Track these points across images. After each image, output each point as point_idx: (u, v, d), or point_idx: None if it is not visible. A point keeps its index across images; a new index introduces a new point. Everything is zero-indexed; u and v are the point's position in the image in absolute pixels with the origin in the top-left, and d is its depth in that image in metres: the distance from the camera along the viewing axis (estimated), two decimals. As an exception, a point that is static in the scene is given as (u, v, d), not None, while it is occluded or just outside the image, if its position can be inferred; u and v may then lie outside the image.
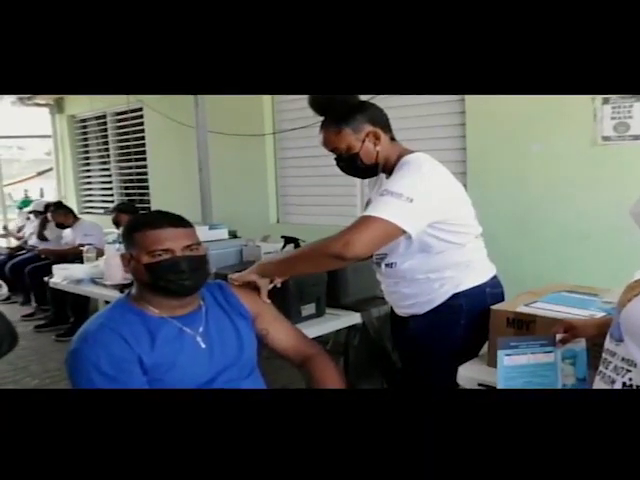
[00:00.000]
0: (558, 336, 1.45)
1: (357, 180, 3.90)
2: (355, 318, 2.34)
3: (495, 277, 1.80)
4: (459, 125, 3.26)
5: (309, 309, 2.19)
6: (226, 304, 1.50)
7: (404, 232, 1.53)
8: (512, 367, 1.44)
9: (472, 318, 1.70)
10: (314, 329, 2.11)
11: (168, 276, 1.33)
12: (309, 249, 1.63)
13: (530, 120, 2.93)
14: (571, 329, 1.45)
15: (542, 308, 1.66)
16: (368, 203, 1.79)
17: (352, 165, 1.69)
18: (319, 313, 2.23)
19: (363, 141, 1.64)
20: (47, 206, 5.14)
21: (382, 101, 1.80)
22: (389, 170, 1.69)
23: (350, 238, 1.48)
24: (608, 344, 1.15)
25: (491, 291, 1.76)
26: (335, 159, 1.71)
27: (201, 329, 1.41)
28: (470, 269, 1.72)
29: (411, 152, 1.68)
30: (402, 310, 1.83)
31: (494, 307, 1.67)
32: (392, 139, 1.71)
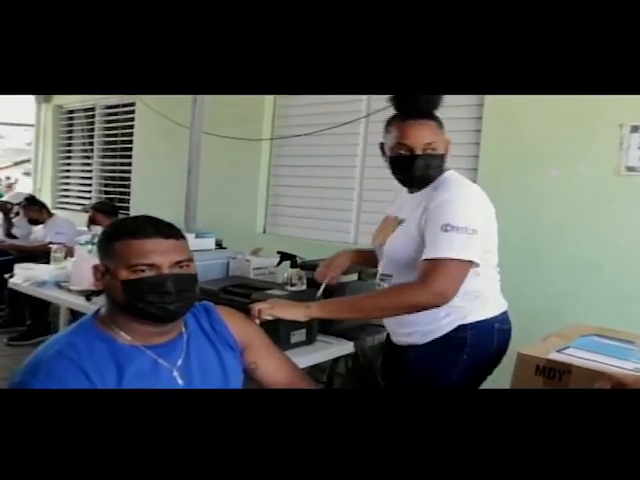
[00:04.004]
0: None
1: (355, 195, 3.77)
2: (348, 347, 2.13)
3: (505, 313, 1.67)
4: (472, 144, 3.06)
5: (299, 335, 1.96)
6: (212, 332, 1.26)
7: (472, 264, 1.47)
8: None
9: (476, 355, 1.58)
10: (305, 358, 1.89)
11: (150, 297, 1.09)
12: (391, 299, 1.50)
13: (550, 143, 2.74)
14: (619, 386, 1.21)
15: (577, 356, 1.43)
16: (387, 220, 1.73)
17: (430, 165, 1.56)
18: (310, 340, 2.02)
19: (446, 146, 1.61)
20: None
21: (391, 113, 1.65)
22: (422, 185, 1.62)
23: (441, 288, 1.42)
24: None
25: (500, 327, 1.63)
26: (405, 157, 1.56)
27: (180, 362, 1.17)
28: (481, 300, 1.59)
29: (446, 169, 1.63)
30: (400, 338, 1.70)
31: (522, 351, 1.45)
32: None
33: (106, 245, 1.13)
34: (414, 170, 1.56)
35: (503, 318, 1.65)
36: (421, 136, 1.54)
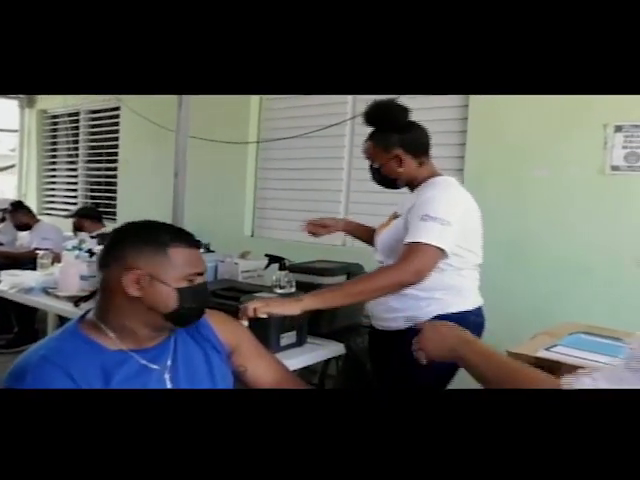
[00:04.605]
0: None
1: (342, 197, 3.77)
2: (339, 348, 2.13)
3: (480, 308, 1.82)
4: (458, 145, 3.08)
5: (289, 337, 1.95)
6: (198, 335, 1.25)
7: (444, 252, 1.63)
8: None
9: None
10: (295, 360, 1.88)
11: (199, 303, 1.18)
12: (376, 281, 1.64)
13: (535, 143, 2.76)
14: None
15: (566, 354, 1.45)
16: (391, 215, 1.92)
17: (375, 175, 1.86)
18: (300, 342, 2.01)
19: (389, 160, 1.79)
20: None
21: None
22: (414, 187, 1.82)
23: (418, 266, 1.59)
24: None
25: (475, 319, 1.77)
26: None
27: (169, 362, 1.17)
28: (460, 295, 1.74)
29: (440, 175, 1.81)
30: (383, 323, 1.84)
31: (511, 350, 1.46)
32: (421, 163, 1.81)
33: (155, 251, 1.11)
34: (373, 177, 1.88)
35: (478, 312, 1.80)
36: (363, 152, 1.86)
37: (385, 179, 1.84)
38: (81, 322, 1.15)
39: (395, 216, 1.87)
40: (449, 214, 1.61)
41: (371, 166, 1.86)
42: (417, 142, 1.81)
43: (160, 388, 1.13)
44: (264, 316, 1.48)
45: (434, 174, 1.80)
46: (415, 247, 1.60)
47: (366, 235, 2.14)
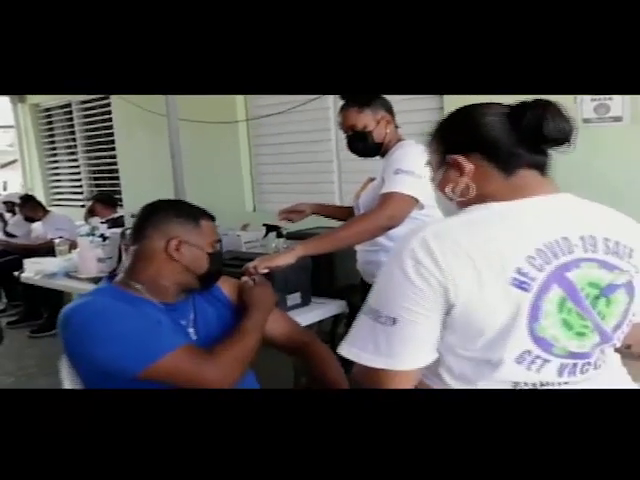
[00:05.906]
0: None
1: (335, 167, 3.93)
2: (341, 306, 2.29)
3: None
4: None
5: (294, 298, 2.14)
6: (210, 296, 1.45)
7: (417, 202, 1.81)
8: None
9: None
10: (300, 319, 2.03)
11: (220, 265, 1.42)
12: (357, 226, 1.84)
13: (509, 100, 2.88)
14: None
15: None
16: (366, 181, 2.11)
17: (363, 142, 1.96)
18: (305, 302, 2.18)
19: (378, 122, 1.94)
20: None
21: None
22: (385, 152, 1.98)
23: (392, 212, 1.78)
24: None
25: None
26: (347, 137, 2.00)
27: (192, 316, 1.37)
28: None
29: (404, 139, 2.00)
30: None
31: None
32: (396, 127, 2.01)
33: (191, 223, 1.34)
34: (351, 146, 2.01)
35: None
36: (345, 121, 1.98)
37: (373, 143, 1.96)
38: (110, 282, 1.35)
39: (370, 180, 2.07)
40: (419, 168, 1.74)
41: (356, 133, 1.96)
42: (391, 107, 2.00)
43: (187, 337, 1.31)
44: (265, 271, 1.66)
45: (400, 138, 2.00)
46: (389, 195, 1.79)
47: (337, 213, 2.37)
